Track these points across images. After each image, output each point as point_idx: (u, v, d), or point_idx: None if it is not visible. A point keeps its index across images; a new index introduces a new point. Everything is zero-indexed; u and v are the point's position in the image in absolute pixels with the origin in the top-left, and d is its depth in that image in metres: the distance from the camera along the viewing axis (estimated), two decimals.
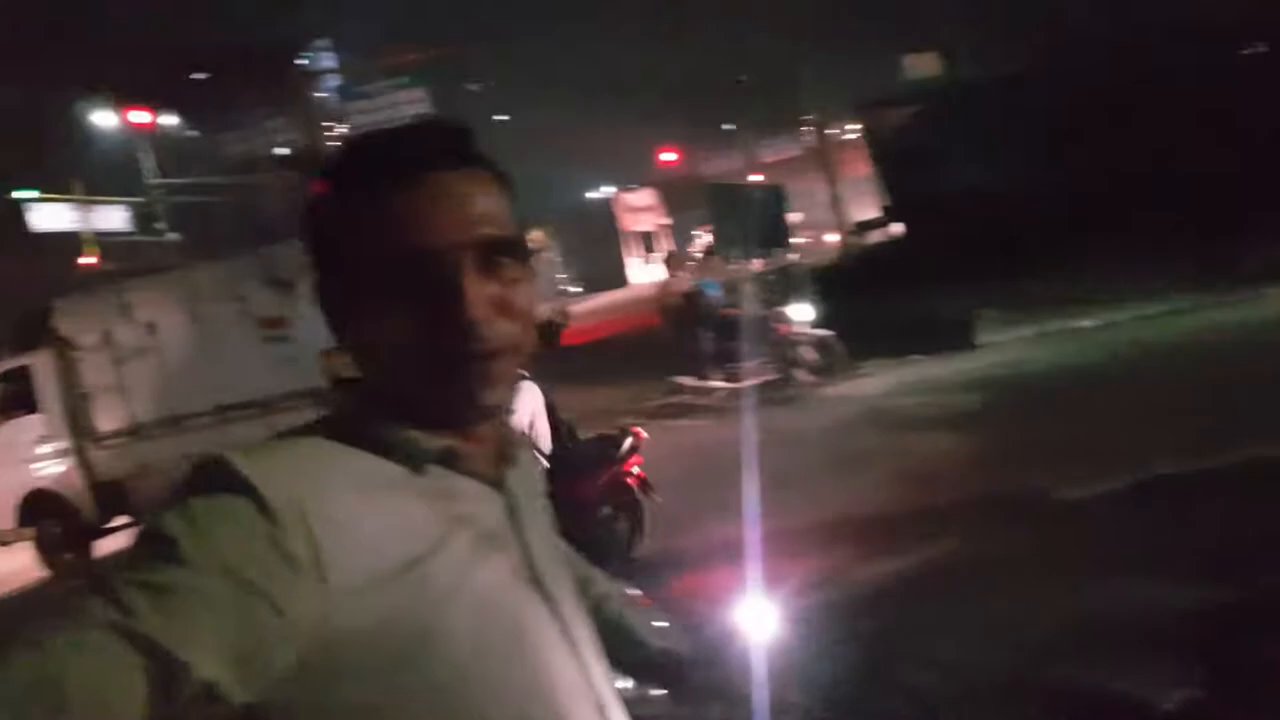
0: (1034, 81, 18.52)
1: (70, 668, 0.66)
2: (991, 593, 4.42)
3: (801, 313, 11.27)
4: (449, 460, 0.88)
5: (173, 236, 37.30)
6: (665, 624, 1.26)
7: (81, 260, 32.72)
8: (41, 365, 9.43)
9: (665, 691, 1.21)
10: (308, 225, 0.91)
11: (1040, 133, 17.85)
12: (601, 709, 0.94)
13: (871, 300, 12.45)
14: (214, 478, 0.77)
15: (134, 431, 9.29)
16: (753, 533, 4.84)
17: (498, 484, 0.93)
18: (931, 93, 20.92)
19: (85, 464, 9.43)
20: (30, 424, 9.56)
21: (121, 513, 9.52)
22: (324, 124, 32.16)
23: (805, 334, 11.06)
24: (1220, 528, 4.56)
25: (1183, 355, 8.70)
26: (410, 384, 0.87)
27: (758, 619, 1.16)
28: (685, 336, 11.58)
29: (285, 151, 40.06)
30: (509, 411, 0.99)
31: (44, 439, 9.54)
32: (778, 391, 10.64)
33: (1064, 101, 17.23)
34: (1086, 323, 11.25)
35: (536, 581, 0.92)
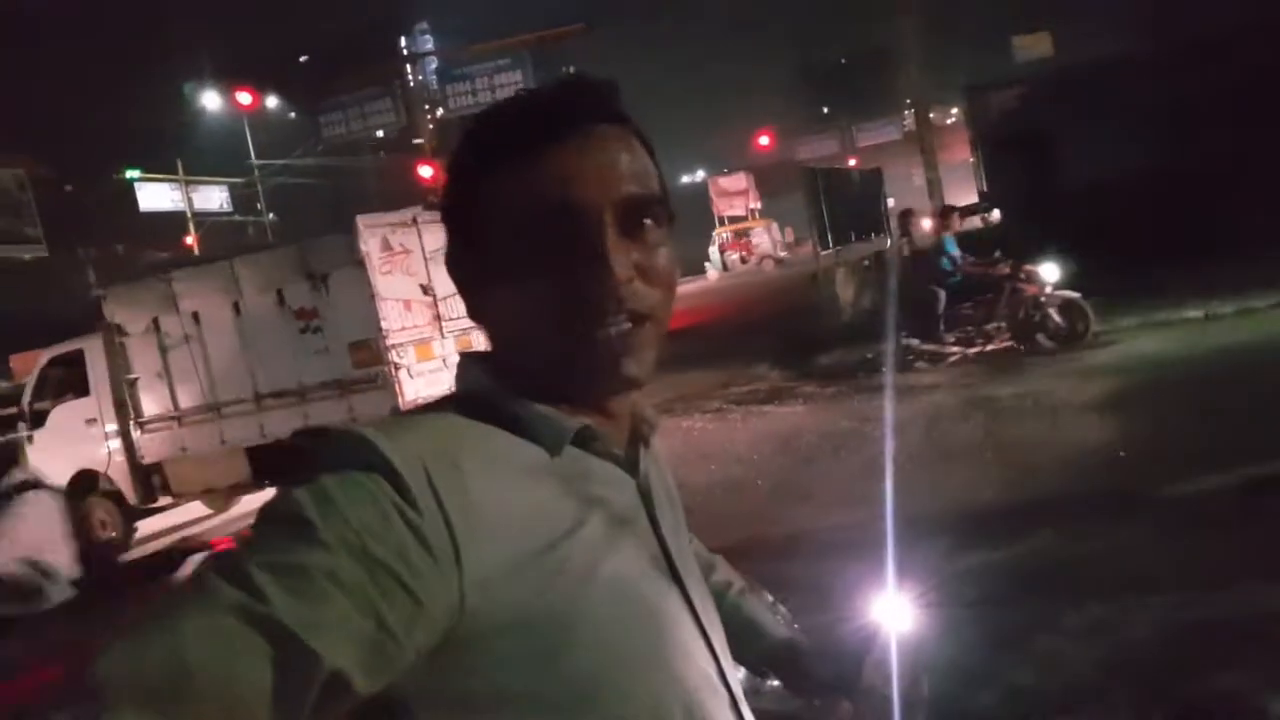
0: (1147, 65, 17.75)
1: (198, 653, 0.63)
2: (1092, 589, 4.30)
3: (1050, 272, 10.55)
4: (585, 440, 0.85)
5: (271, 217, 38.52)
6: (782, 613, 1.24)
7: (187, 240, 33.98)
8: (92, 350, 9.77)
9: (780, 684, 1.18)
10: (448, 192, 0.90)
11: (1154, 118, 17.11)
12: (734, 702, 0.92)
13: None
14: (350, 453, 0.74)
15: (176, 417, 9.63)
16: (886, 523, 4.77)
17: (631, 466, 0.90)
18: (1040, 75, 20.20)
19: (129, 446, 9.79)
20: (81, 407, 9.93)
21: (161, 495, 9.95)
22: (424, 106, 32.79)
23: (1053, 295, 10.44)
24: None
25: None
26: (549, 353, 0.84)
27: (892, 613, 1.13)
28: (919, 296, 11.09)
29: (383, 134, 40.97)
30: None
31: (92, 421, 9.89)
32: (1020, 357, 10.29)
33: (1178, 87, 16.48)
34: (1195, 313, 10.75)
35: (670, 568, 0.89)
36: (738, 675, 0.96)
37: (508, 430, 0.82)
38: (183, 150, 35.47)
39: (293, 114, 42.48)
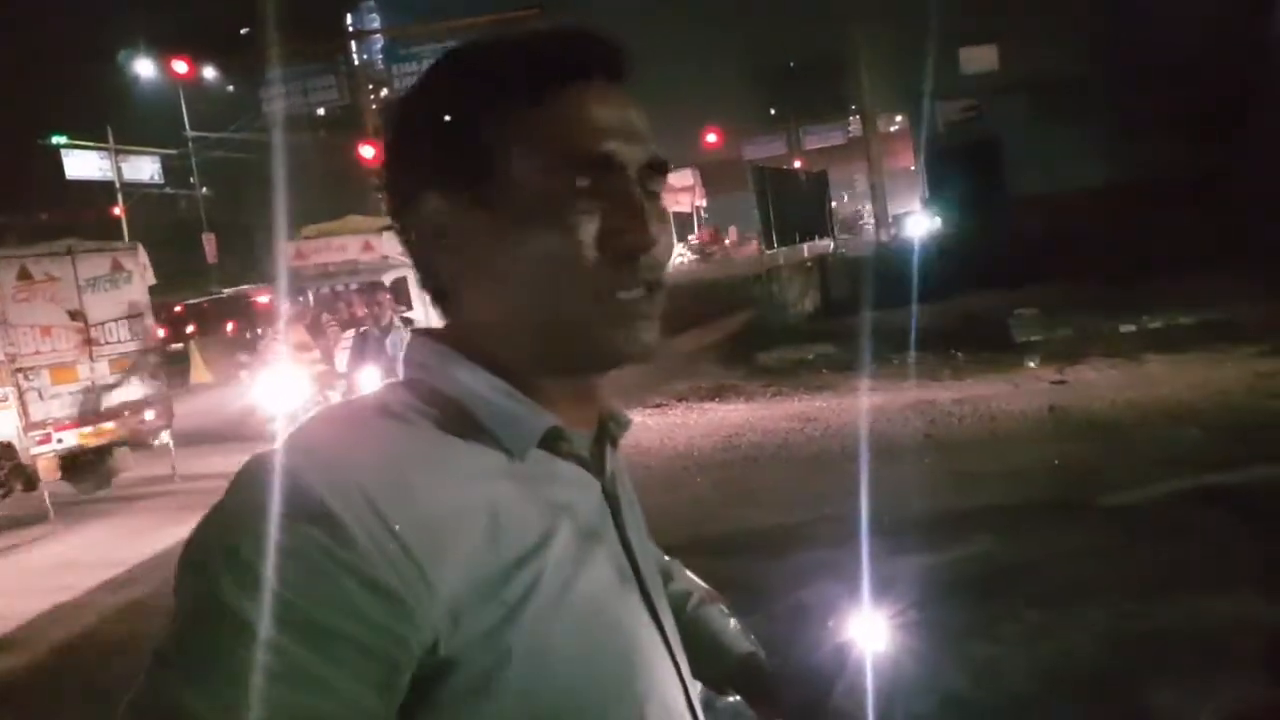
0: (1095, 80, 18.18)
1: None
2: (1031, 596, 4.31)
3: None
4: (551, 441, 0.76)
5: (204, 191, 37.47)
6: (736, 625, 1.15)
7: (115, 211, 32.88)
8: None
9: (739, 699, 1.10)
10: (419, 130, 0.77)
11: (1098, 133, 17.53)
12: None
13: (909, 294, 12.29)
14: (268, 498, 0.62)
15: None
16: (855, 534, 4.72)
17: (597, 468, 0.81)
18: (986, 88, 20.58)
19: None
20: None
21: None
22: (369, 85, 32.14)
23: None
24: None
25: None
26: (559, 319, 0.75)
27: (867, 632, 1.05)
28: None
29: (325, 111, 40.14)
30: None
31: None
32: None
33: (1124, 102, 16.91)
34: (1129, 328, 11.01)
35: (639, 583, 0.81)
36: (697, 693, 0.88)
37: (460, 430, 0.72)
38: (115, 119, 34.28)
39: (231, 86, 41.33)
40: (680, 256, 38.77)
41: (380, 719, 0.62)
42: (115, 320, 9.38)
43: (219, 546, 0.63)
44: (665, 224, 0.78)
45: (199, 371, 18.05)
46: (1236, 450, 6.06)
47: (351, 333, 9.14)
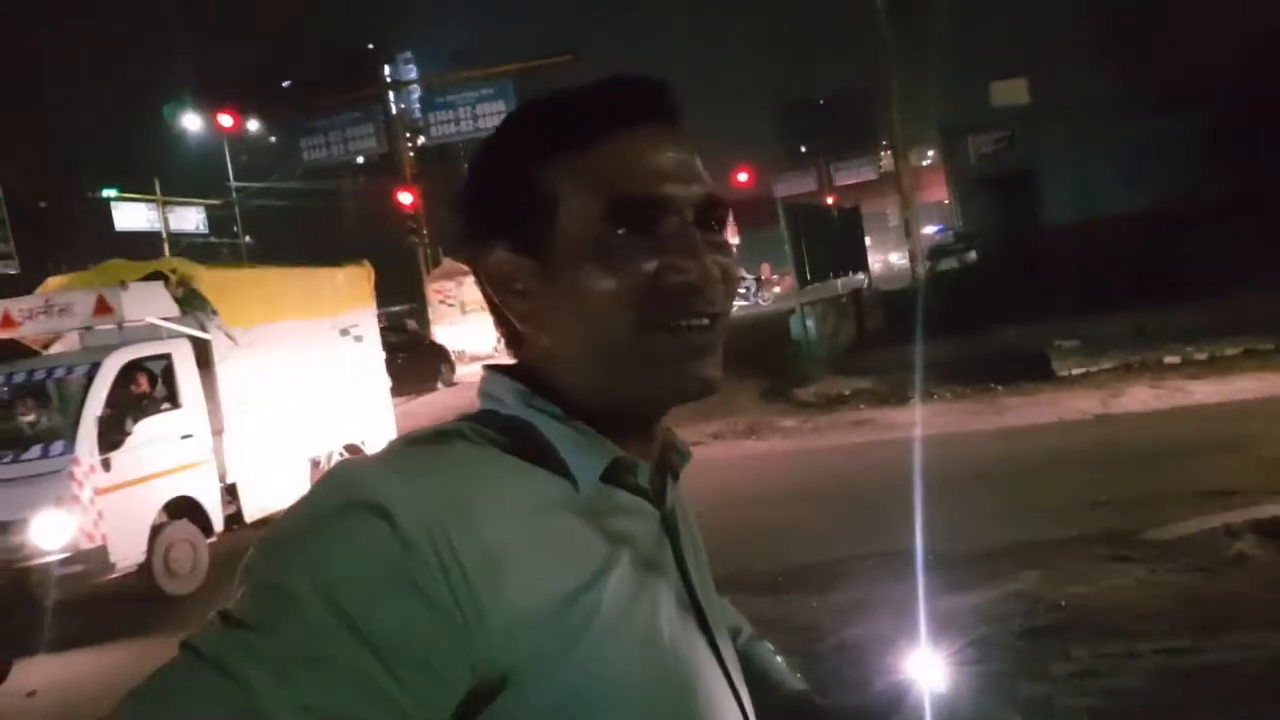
0: (1126, 104, 18.11)
1: None
2: (1080, 633, 4.24)
3: None
4: (616, 472, 0.77)
5: (247, 240, 38.28)
6: (785, 663, 1.16)
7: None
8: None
9: None
10: (481, 185, 0.82)
11: (1131, 157, 17.42)
12: None
13: (946, 327, 12.22)
14: (345, 502, 0.66)
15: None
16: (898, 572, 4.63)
17: (658, 499, 0.82)
18: (1017, 120, 20.55)
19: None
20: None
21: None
22: (406, 133, 32.77)
23: None
24: None
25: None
26: (621, 356, 0.77)
27: (926, 671, 1.05)
28: None
29: (363, 160, 40.90)
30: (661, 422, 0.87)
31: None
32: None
33: (1155, 125, 16.82)
34: (1173, 359, 10.84)
35: (698, 614, 0.81)
36: None
37: (530, 459, 0.75)
38: (161, 170, 35.23)
39: (273, 138, 42.31)
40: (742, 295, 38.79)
41: None
42: None
43: (294, 537, 0.66)
44: (728, 258, 0.81)
45: None
46: None
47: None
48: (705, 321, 0.78)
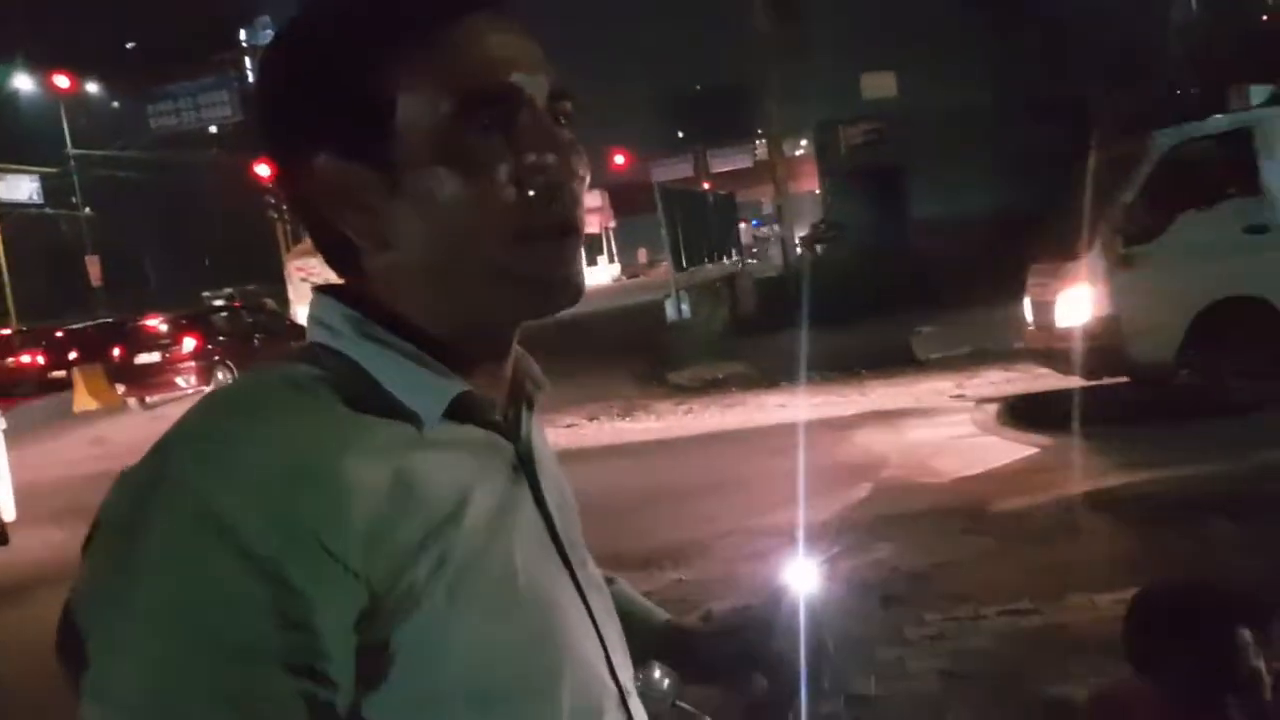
0: (987, 108, 18.99)
1: None
2: (931, 600, 4.45)
3: None
4: (462, 409, 0.71)
5: (87, 212, 35.90)
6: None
7: None
8: None
9: (671, 673, 1.01)
10: (324, 99, 0.70)
11: (987, 162, 18.29)
12: (623, 698, 0.80)
13: (816, 313, 12.55)
14: (172, 513, 0.61)
15: None
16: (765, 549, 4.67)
17: (513, 433, 0.77)
18: (887, 115, 21.29)
19: None
20: None
21: None
22: None
23: None
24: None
25: None
26: (478, 270, 0.70)
27: (799, 576, 1.05)
28: None
29: (217, 129, 38.87)
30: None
31: None
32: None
33: (1016, 129, 17.70)
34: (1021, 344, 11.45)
35: (559, 549, 0.77)
36: (628, 666, 0.84)
37: (366, 406, 0.68)
38: None
39: (116, 102, 39.69)
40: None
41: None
42: None
43: (128, 573, 0.60)
44: (580, 156, 0.73)
45: (82, 399, 17.25)
46: (1127, 456, 6.38)
47: None
48: (571, 220, 0.72)
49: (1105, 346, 7.08)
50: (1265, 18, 23.77)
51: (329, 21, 0.72)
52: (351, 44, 0.70)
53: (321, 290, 0.75)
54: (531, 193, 0.70)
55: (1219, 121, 7.80)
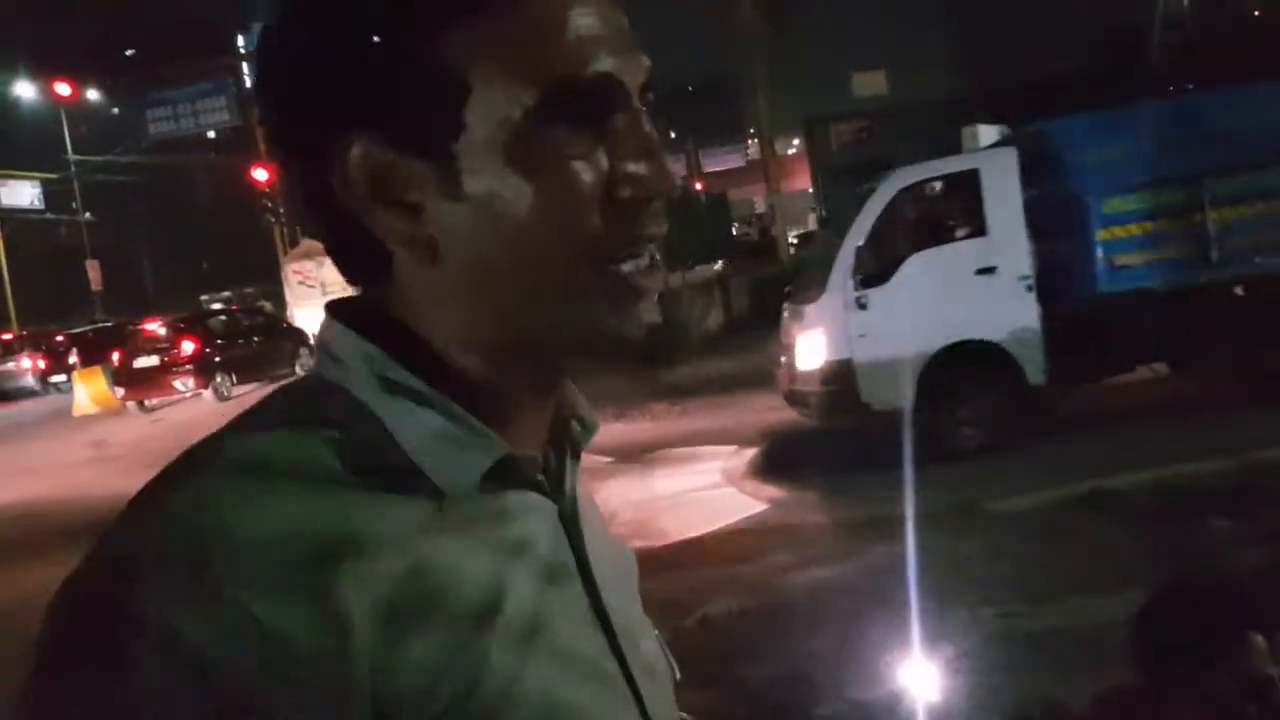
0: (975, 102, 19.05)
1: None
2: (924, 601, 4.47)
3: None
4: (501, 475, 0.59)
5: (88, 217, 35.92)
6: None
7: None
8: None
9: None
10: (369, 67, 0.57)
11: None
12: None
13: None
14: (141, 664, 0.48)
15: None
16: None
17: (556, 487, 0.64)
18: (878, 111, 21.34)
19: None
20: None
21: None
22: None
23: None
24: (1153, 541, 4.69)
25: None
26: (550, 296, 0.59)
27: (919, 680, 1.04)
28: None
29: (215, 135, 38.86)
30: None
31: None
32: None
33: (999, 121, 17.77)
34: None
35: (602, 617, 0.64)
36: None
37: (385, 462, 0.56)
38: None
39: (116, 109, 39.71)
40: None
41: None
42: None
43: (116, 638, 0.48)
44: (670, 165, 0.62)
45: (82, 403, 17.25)
46: (1125, 455, 6.40)
47: None
48: (655, 248, 0.61)
49: (841, 390, 7.03)
50: (1256, 13, 23.85)
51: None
52: (416, 8, 0.57)
53: (335, 309, 0.63)
54: (622, 207, 0.58)
55: (947, 163, 7.75)
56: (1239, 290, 7.20)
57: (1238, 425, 6.18)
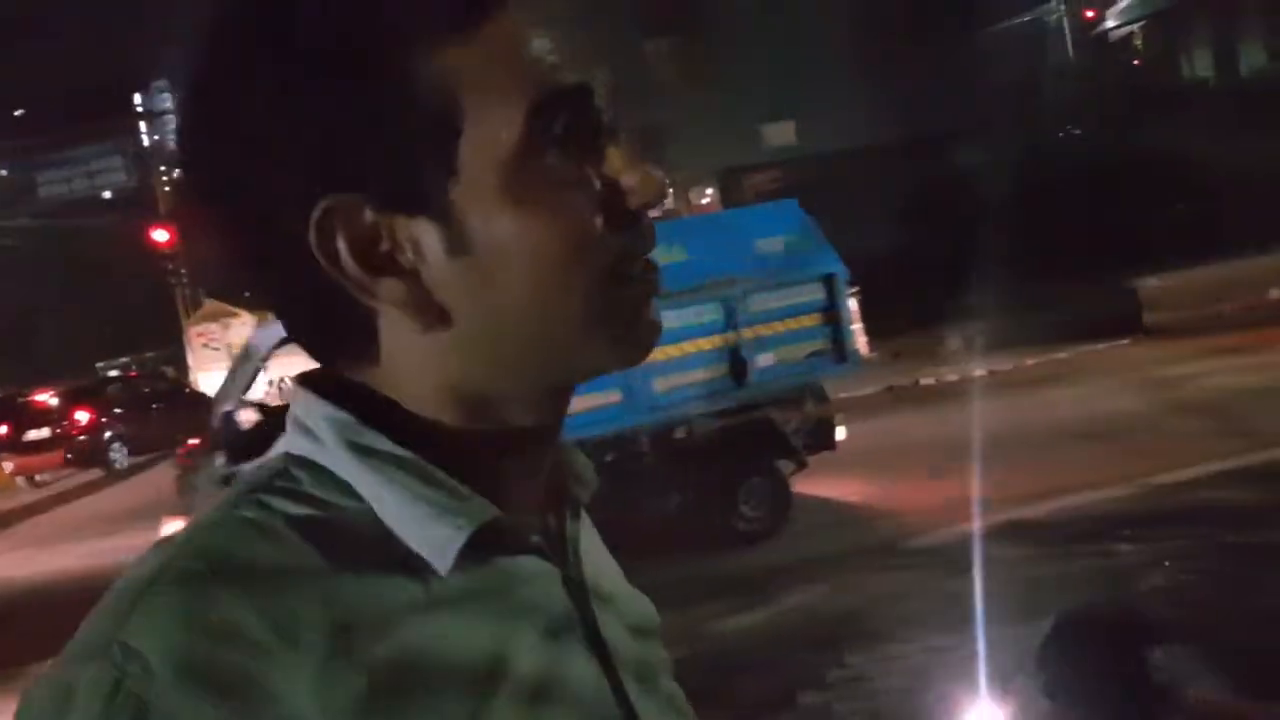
0: (883, 153, 19.72)
1: None
2: (852, 641, 4.42)
3: None
4: (493, 536, 0.54)
5: None
6: None
7: None
8: None
9: None
10: (336, 106, 0.50)
11: (888, 201, 18.94)
12: None
13: None
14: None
15: None
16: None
17: (558, 550, 0.60)
18: (788, 161, 21.87)
19: None
20: None
21: None
22: (160, 166, 30.49)
23: None
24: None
25: None
26: (570, 319, 0.54)
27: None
28: None
29: (110, 195, 37.86)
30: None
31: None
32: None
33: (911, 173, 18.39)
34: (931, 381, 11.78)
35: (613, 680, 0.59)
36: None
37: (365, 539, 0.52)
38: None
39: (4, 171, 38.37)
40: None
41: None
42: None
43: None
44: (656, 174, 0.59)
45: None
46: (1036, 485, 6.49)
47: None
48: (651, 266, 0.58)
49: None
50: (1136, 62, 25.29)
51: (340, 8, 0.51)
52: (390, 33, 0.50)
53: (304, 381, 0.57)
54: (622, 223, 0.55)
55: None
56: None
57: None
